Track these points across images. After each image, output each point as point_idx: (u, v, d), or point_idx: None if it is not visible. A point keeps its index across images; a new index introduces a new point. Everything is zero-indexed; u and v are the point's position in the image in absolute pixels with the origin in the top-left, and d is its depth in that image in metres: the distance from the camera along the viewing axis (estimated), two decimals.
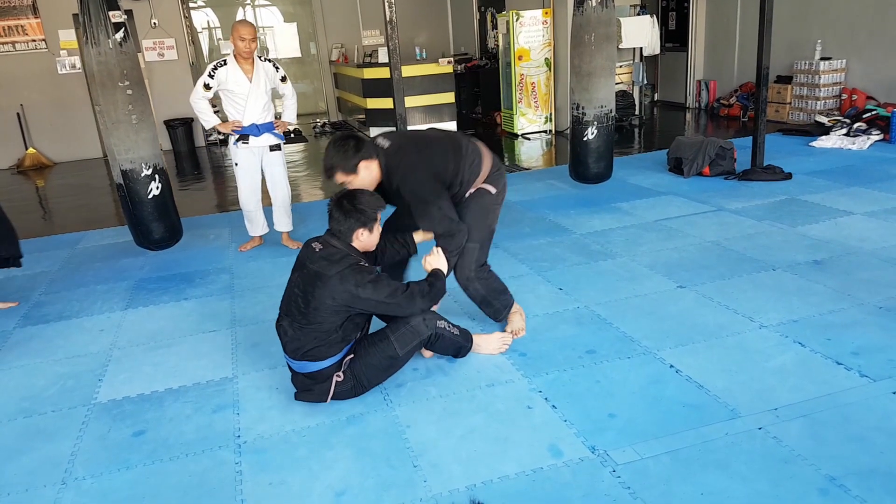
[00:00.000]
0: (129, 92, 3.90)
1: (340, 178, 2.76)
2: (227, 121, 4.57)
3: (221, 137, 10.55)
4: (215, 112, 4.78)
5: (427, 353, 3.01)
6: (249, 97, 4.47)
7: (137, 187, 4.04)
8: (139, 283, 4.35)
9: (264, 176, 4.74)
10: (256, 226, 4.82)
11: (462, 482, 2.20)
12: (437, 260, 2.84)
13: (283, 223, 4.85)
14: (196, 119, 10.23)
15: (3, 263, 3.93)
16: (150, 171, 4.06)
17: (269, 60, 4.59)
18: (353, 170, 2.74)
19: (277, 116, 4.70)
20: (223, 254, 4.82)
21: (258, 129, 4.54)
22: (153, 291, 4.17)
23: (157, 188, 4.09)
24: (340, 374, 2.64)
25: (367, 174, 2.78)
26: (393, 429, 2.53)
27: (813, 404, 2.48)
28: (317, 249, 2.62)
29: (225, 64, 4.45)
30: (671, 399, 2.58)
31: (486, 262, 3.11)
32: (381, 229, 2.77)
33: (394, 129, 3.05)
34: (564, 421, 2.50)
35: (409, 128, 5.74)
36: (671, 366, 2.82)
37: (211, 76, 4.43)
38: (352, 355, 2.67)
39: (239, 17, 12.83)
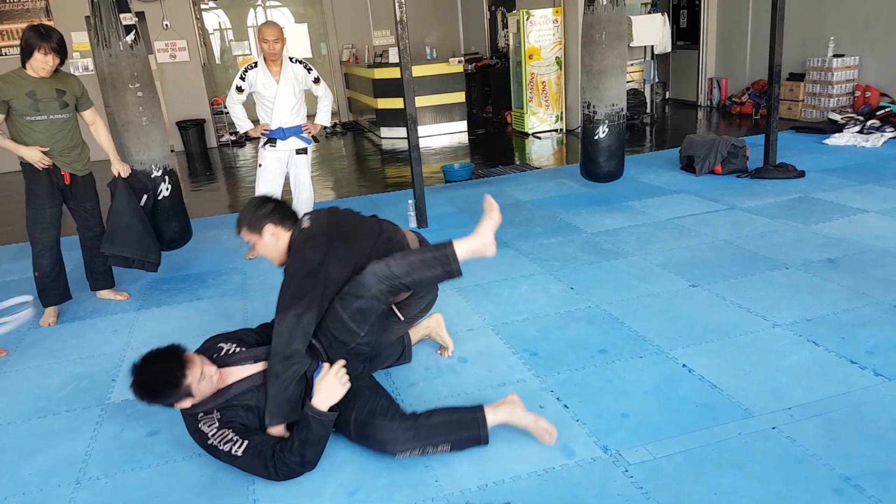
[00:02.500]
0: (140, 94, 3.93)
1: (245, 235, 2.56)
2: (259, 123, 4.56)
3: (234, 139, 10.62)
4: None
5: (445, 354, 2.98)
6: (276, 100, 4.45)
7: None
8: (152, 283, 4.38)
9: (288, 178, 4.73)
10: None
11: (474, 482, 2.20)
12: (328, 386, 2.27)
13: None
14: (209, 121, 10.34)
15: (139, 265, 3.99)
16: (160, 173, 4.08)
17: (301, 62, 4.54)
18: (259, 230, 2.51)
19: (310, 118, 4.66)
20: (235, 254, 4.84)
21: (284, 133, 4.52)
22: (166, 292, 4.20)
23: (168, 189, 4.12)
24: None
25: (273, 242, 2.53)
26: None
27: (827, 403, 2.46)
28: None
29: (255, 66, 4.43)
30: (684, 398, 2.57)
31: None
32: (214, 368, 2.31)
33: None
34: (577, 420, 2.49)
35: (420, 128, 5.74)
36: (684, 365, 2.80)
37: (242, 78, 4.43)
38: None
39: (250, 18, 12.89)
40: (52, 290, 3.83)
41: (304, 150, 4.67)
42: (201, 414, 2.28)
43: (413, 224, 5.12)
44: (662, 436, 2.35)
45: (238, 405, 2.31)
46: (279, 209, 2.57)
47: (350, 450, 2.43)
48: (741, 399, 2.53)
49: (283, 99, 4.46)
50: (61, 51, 3.49)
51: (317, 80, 4.59)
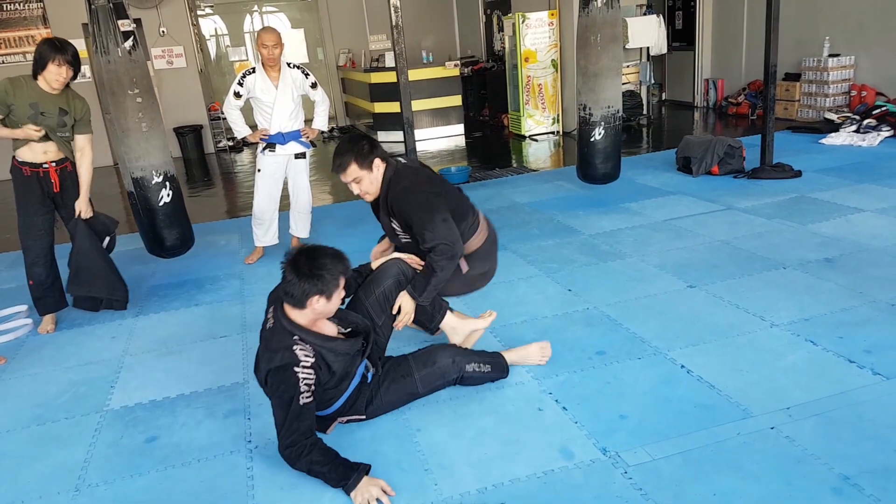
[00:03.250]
0: (139, 100, 3.92)
1: (353, 171, 2.70)
2: (257, 129, 4.55)
3: (231, 144, 10.63)
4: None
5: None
6: (275, 105, 4.44)
7: (148, 195, 4.06)
8: (150, 289, 4.37)
9: (287, 182, 4.72)
10: (266, 235, 4.75)
11: (473, 485, 2.20)
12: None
13: (301, 229, 4.83)
14: (206, 127, 10.35)
15: (103, 304, 3.94)
16: (161, 179, 4.08)
17: (298, 67, 4.54)
18: (369, 164, 2.71)
19: (307, 123, 4.66)
20: (234, 259, 4.84)
21: (283, 138, 4.52)
22: (164, 298, 4.20)
23: (169, 195, 4.11)
24: (344, 418, 2.56)
25: (378, 175, 2.75)
26: (403, 432, 2.53)
27: (825, 403, 2.46)
28: (267, 325, 2.40)
29: (254, 72, 4.43)
30: (682, 399, 2.57)
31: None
32: (343, 295, 2.39)
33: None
34: (575, 422, 2.49)
35: (417, 132, 5.76)
36: (682, 366, 2.81)
37: (240, 84, 4.42)
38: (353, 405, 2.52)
39: (246, 24, 12.91)
40: (47, 297, 3.81)
41: (303, 155, 4.67)
42: (297, 337, 2.27)
43: None
44: (661, 437, 2.35)
45: (328, 362, 2.32)
46: (374, 143, 2.74)
47: (350, 452, 2.42)
48: (739, 399, 2.53)
49: (283, 104, 4.46)
50: (75, 63, 3.52)
51: (314, 86, 4.60)
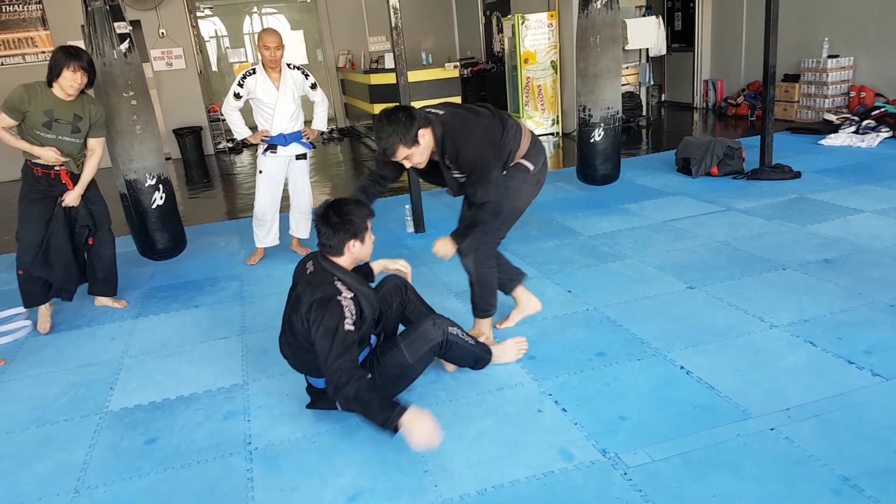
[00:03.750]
0: (134, 102, 3.93)
1: (402, 153, 2.64)
2: (257, 130, 4.53)
3: (231, 145, 10.63)
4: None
5: (450, 368, 2.95)
6: (277, 106, 4.43)
7: (141, 197, 4.07)
8: (149, 291, 4.37)
9: (287, 183, 4.71)
10: (268, 236, 4.73)
11: (473, 487, 2.20)
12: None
13: (301, 230, 4.82)
14: (205, 128, 10.35)
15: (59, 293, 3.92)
16: (154, 182, 4.08)
17: (298, 68, 4.53)
18: (414, 140, 2.63)
19: (307, 124, 4.66)
20: (233, 261, 4.84)
21: (285, 139, 4.50)
22: (164, 299, 4.20)
23: (161, 198, 4.11)
24: None
25: (425, 143, 2.68)
26: (402, 434, 2.52)
27: (825, 404, 2.46)
28: (307, 271, 2.53)
29: (254, 73, 4.41)
30: (682, 401, 2.57)
31: (496, 248, 3.05)
32: (373, 238, 2.58)
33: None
34: (575, 424, 2.49)
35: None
36: (682, 367, 2.81)
37: (240, 85, 4.39)
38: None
39: (246, 25, 12.91)
40: (33, 288, 3.76)
41: (304, 156, 4.67)
42: (337, 277, 2.44)
43: (410, 229, 5.13)
44: (661, 438, 2.35)
45: (361, 306, 2.44)
46: (410, 113, 2.63)
47: (350, 454, 2.43)
48: (739, 400, 2.53)
49: (284, 105, 4.45)
50: (90, 70, 3.52)
51: (314, 86, 4.59)
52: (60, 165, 3.62)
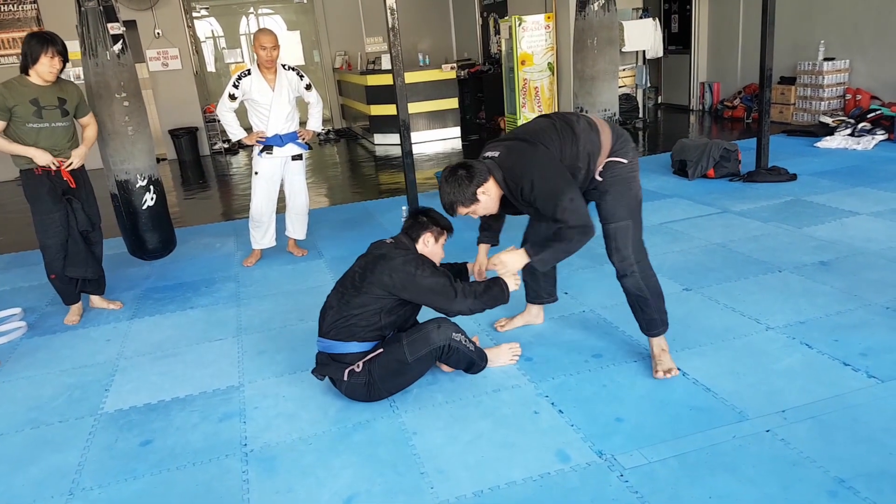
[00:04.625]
0: (126, 104, 3.92)
1: (463, 211, 2.61)
2: (252, 131, 4.52)
3: (227, 146, 10.61)
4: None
5: (446, 368, 2.94)
6: (272, 107, 4.42)
7: (132, 198, 4.06)
8: (145, 292, 4.36)
9: (283, 185, 4.71)
10: (265, 237, 4.71)
11: (469, 488, 2.19)
12: (513, 259, 2.65)
13: (297, 231, 4.81)
14: (201, 129, 10.33)
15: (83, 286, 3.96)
16: (145, 182, 4.07)
17: (293, 69, 4.53)
18: (473, 199, 2.57)
19: (302, 125, 4.65)
20: (229, 262, 4.83)
21: (281, 140, 4.49)
22: (159, 301, 4.18)
23: (152, 199, 4.10)
24: (359, 364, 2.63)
25: (488, 199, 2.60)
26: (399, 435, 2.52)
27: (821, 406, 2.46)
28: (388, 241, 2.81)
29: (249, 74, 4.40)
30: (678, 402, 2.57)
31: (644, 247, 2.80)
32: (443, 254, 2.88)
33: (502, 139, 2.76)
34: (571, 426, 2.49)
35: (413, 135, 5.76)
36: (678, 369, 2.81)
37: (235, 86, 4.38)
38: (374, 353, 2.66)
39: (242, 26, 12.90)
40: (70, 288, 3.87)
41: (300, 157, 4.66)
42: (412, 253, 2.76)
43: None
44: (657, 440, 2.35)
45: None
46: (470, 170, 2.56)
47: (346, 456, 2.42)
48: (735, 402, 2.53)
49: (280, 106, 4.44)
50: (65, 54, 3.55)
51: (308, 87, 4.59)
52: (58, 161, 3.61)
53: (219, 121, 10.88)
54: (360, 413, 2.68)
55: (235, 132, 4.47)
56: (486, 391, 2.77)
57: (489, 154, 2.68)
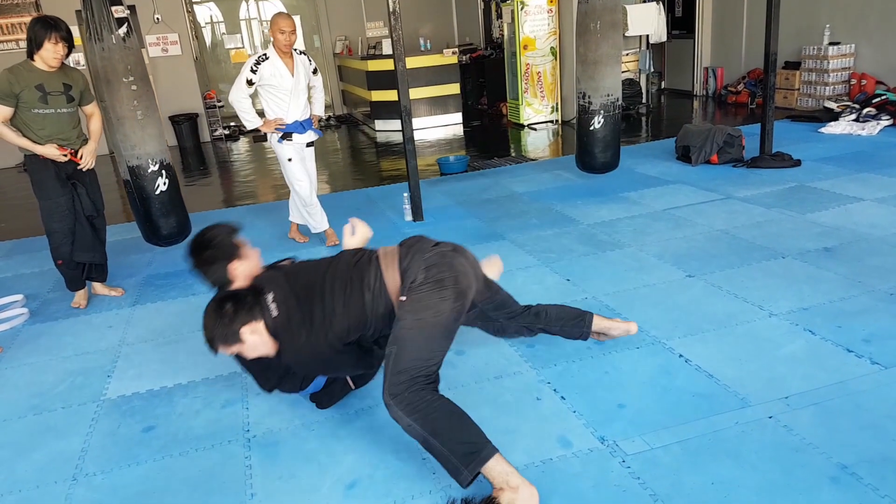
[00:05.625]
0: (134, 87, 3.89)
1: (223, 350, 2.23)
2: (265, 118, 4.40)
3: (227, 133, 10.57)
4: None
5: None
6: (293, 93, 4.34)
7: (144, 183, 4.04)
8: (147, 279, 4.36)
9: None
10: (323, 216, 4.65)
11: None
12: None
13: (299, 216, 4.79)
14: (202, 115, 10.28)
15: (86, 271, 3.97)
16: (156, 167, 4.05)
17: (303, 53, 4.45)
18: (235, 338, 2.18)
19: None
20: None
21: (303, 127, 4.42)
22: (161, 287, 4.18)
23: (165, 184, 4.08)
24: None
25: (258, 338, 2.21)
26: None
27: (824, 392, 2.46)
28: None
29: (267, 58, 4.25)
30: (681, 389, 2.57)
31: (433, 379, 2.20)
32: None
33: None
34: (573, 412, 2.49)
35: (415, 121, 5.72)
36: (680, 355, 2.80)
37: (253, 70, 4.23)
38: None
39: (242, 11, 12.81)
40: (78, 272, 3.88)
41: (312, 143, 4.61)
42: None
43: (409, 217, 5.11)
44: (659, 426, 2.35)
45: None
46: (239, 300, 2.21)
47: (348, 441, 2.42)
48: (738, 389, 2.53)
49: (298, 91, 4.36)
50: (69, 39, 3.54)
51: (315, 71, 4.51)
52: (66, 151, 3.62)
53: (220, 106, 10.84)
54: (362, 399, 2.69)
55: (252, 119, 4.32)
56: (487, 377, 2.77)
57: (268, 304, 2.24)
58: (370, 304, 2.27)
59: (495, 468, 2.00)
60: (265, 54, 4.29)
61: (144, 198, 4.07)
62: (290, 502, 2.16)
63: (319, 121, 4.71)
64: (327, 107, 12.43)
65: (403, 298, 2.22)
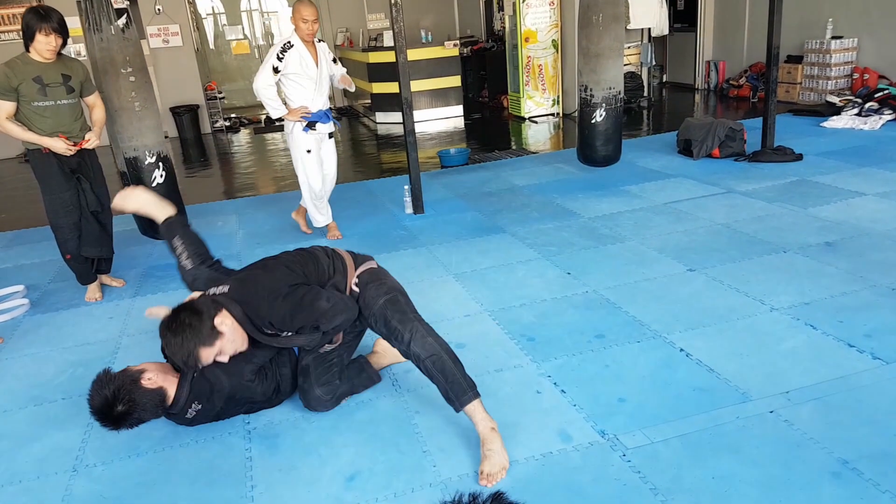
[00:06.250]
0: (132, 79, 3.88)
1: (207, 355, 2.21)
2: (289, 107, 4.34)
3: (228, 124, 10.54)
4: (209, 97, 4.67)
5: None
6: (318, 81, 4.30)
7: (141, 175, 4.04)
8: (148, 270, 4.35)
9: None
10: (329, 211, 4.63)
11: (471, 467, 2.19)
12: None
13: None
14: (202, 107, 10.25)
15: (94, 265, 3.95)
16: (153, 159, 4.05)
17: (322, 41, 4.39)
18: (213, 334, 2.20)
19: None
20: (231, 241, 4.82)
21: (326, 116, 4.39)
22: (161, 279, 4.18)
23: (161, 176, 4.08)
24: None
25: (231, 329, 2.25)
26: (402, 414, 2.52)
27: (825, 387, 2.45)
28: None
29: (292, 46, 4.19)
30: (681, 383, 2.57)
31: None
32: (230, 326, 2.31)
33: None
34: (574, 405, 2.49)
35: (416, 113, 5.72)
36: (681, 349, 2.80)
37: (280, 58, 4.15)
38: None
39: (243, 2, 12.76)
40: (87, 266, 3.87)
41: (332, 134, 4.57)
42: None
43: (409, 210, 5.10)
44: (660, 420, 2.35)
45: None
46: (194, 310, 2.22)
47: (348, 434, 2.42)
48: (738, 383, 2.52)
49: (323, 80, 4.33)
50: (62, 31, 3.48)
51: (335, 60, 4.43)
52: (68, 140, 3.60)
53: (220, 98, 10.78)
54: (362, 392, 2.68)
55: (277, 108, 4.25)
56: (488, 371, 2.76)
57: (215, 291, 2.35)
58: (326, 263, 2.47)
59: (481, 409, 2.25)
60: (290, 42, 4.21)
61: None
62: (290, 494, 2.17)
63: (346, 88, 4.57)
64: (329, 98, 12.39)
65: (356, 281, 2.46)
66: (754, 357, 2.70)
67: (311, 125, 4.36)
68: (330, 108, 4.46)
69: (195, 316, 2.20)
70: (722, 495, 1.98)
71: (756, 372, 2.59)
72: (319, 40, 4.39)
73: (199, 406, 2.44)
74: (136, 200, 2.81)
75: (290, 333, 2.34)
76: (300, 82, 4.28)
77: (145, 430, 2.57)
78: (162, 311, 2.30)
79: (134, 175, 4.05)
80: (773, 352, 2.73)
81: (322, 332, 2.35)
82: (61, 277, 4.29)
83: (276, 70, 4.18)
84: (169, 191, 4.17)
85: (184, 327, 2.17)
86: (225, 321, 2.24)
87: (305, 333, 2.34)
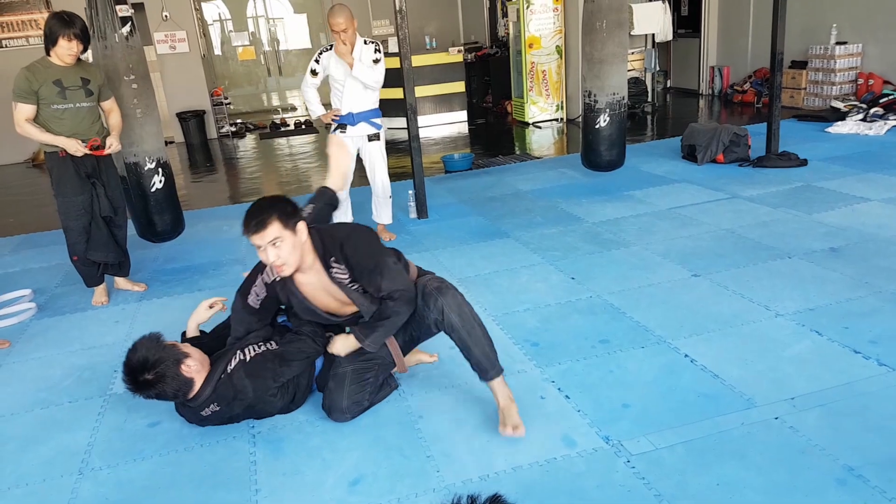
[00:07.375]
0: (135, 86, 3.91)
1: (273, 230, 2.26)
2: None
3: (234, 129, 10.58)
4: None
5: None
6: (346, 84, 4.35)
7: (141, 181, 4.06)
8: (153, 274, 4.37)
9: (363, 164, 4.61)
10: (346, 215, 4.61)
11: (475, 472, 2.20)
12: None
13: (384, 215, 4.73)
14: (209, 112, 10.30)
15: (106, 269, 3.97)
16: (153, 165, 4.07)
17: (372, 42, 4.39)
18: (293, 226, 2.30)
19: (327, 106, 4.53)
20: (236, 245, 4.83)
21: (354, 119, 4.41)
22: (167, 283, 4.19)
23: (161, 182, 4.11)
24: None
25: (300, 239, 2.33)
26: (406, 419, 2.53)
27: (830, 394, 2.45)
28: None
29: (330, 48, 4.36)
30: (686, 389, 2.56)
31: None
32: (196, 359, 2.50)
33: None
34: (578, 411, 2.49)
35: (420, 119, 5.73)
36: (686, 355, 2.80)
37: (317, 61, 4.38)
38: None
39: (249, 9, 12.83)
40: (93, 269, 3.89)
41: (377, 136, 4.56)
42: None
43: (413, 214, 5.11)
44: (664, 426, 2.34)
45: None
46: (297, 208, 2.39)
47: (352, 438, 2.43)
48: (743, 389, 2.52)
49: (354, 84, 4.35)
50: (84, 37, 3.53)
51: (376, 62, 4.37)
52: (84, 143, 3.61)
53: (227, 103, 10.81)
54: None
55: (315, 109, 4.47)
56: None
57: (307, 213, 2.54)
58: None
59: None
60: (330, 45, 4.38)
61: (141, 195, 4.11)
62: (294, 498, 2.17)
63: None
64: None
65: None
66: (759, 363, 2.69)
67: (341, 127, 4.44)
68: (370, 111, 4.44)
69: (293, 209, 2.35)
70: (727, 502, 1.98)
71: (761, 378, 2.58)
72: (369, 42, 4.38)
73: (217, 408, 2.48)
74: (347, 160, 2.87)
75: (356, 287, 2.42)
76: (333, 84, 4.45)
77: (150, 433, 2.58)
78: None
79: (133, 181, 4.08)
80: (778, 358, 2.72)
81: (380, 306, 2.42)
82: (68, 281, 4.31)
83: (314, 73, 4.40)
84: (167, 196, 4.20)
85: (284, 203, 2.36)
86: (303, 233, 2.34)
87: (369, 300, 2.43)
